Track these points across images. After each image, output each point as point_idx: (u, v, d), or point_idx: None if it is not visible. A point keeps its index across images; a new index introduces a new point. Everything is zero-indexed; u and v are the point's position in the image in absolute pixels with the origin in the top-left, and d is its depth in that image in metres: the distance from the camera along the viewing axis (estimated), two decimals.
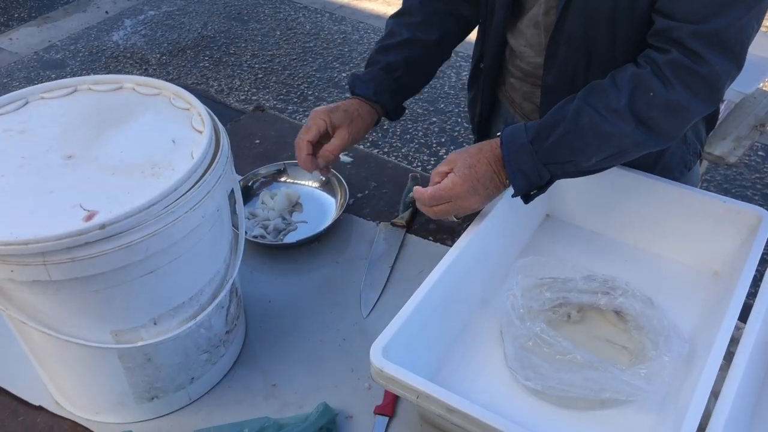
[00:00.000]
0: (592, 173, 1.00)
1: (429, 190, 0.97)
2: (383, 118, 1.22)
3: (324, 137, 1.13)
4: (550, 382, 0.89)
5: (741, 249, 1.02)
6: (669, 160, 1.15)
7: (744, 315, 0.89)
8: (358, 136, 1.15)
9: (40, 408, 0.97)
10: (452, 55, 1.26)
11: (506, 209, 1.06)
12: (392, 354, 0.84)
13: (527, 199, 1.00)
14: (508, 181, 0.97)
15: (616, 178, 1.11)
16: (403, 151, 3.04)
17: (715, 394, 0.81)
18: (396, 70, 1.18)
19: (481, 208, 1.02)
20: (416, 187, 1.00)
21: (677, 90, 0.90)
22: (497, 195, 1.00)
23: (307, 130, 1.12)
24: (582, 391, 0.88)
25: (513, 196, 0.99)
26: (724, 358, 0.84)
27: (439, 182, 0.98)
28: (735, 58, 0.90)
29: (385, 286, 1.13)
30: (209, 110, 0.91)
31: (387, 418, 0.94)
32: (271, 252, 1.22)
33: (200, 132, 0.87)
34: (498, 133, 0.98)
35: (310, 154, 1.13)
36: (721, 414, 0.78)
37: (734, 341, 0.87)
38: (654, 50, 0.92)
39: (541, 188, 0.98)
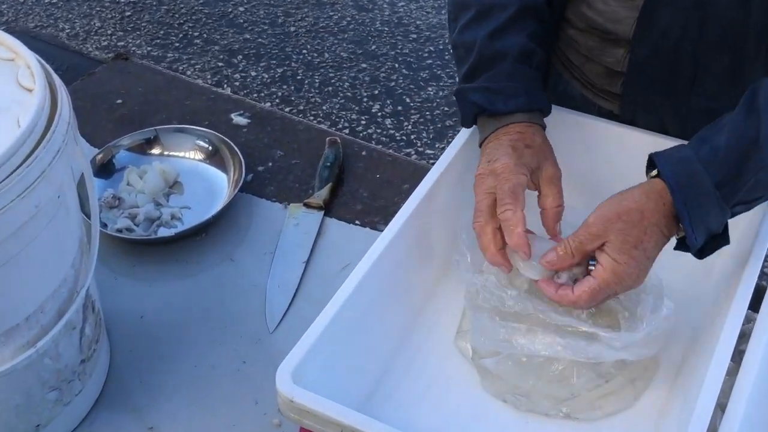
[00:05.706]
0: None
1: (581, 291, 0.90)
2: None
3: None
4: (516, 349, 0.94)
5: (750, 225, 1.05)
6: None
7: (756, 303, 0.92)
8: None
9: None
10: None
11: (451, 180, 1.06)
12: (306, 378, 0.84)
13: (702, 254, 0.93)
14: (675, 233, 0.92)
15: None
16: (324, 108, 3.04)
17: (721, 407, 0.83)
18: (532, 54, 1.07)
19: None
20: (548, 286, 0.92)
21: None
22: None
23: (514, 204, 0.93)
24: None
25: (685, 249, 0.92)
26: (732, 359, 0.86)
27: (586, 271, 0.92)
28: None
29: (297, 290, 1.14)
30: (42, 60, 0.89)
31: None
32: (143, 250, 1.21)
33: (30, 90, 0.85)
34: (653, 172, 0.91)
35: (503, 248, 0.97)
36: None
37: (744, 337, 0.89)
38: None
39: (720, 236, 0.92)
